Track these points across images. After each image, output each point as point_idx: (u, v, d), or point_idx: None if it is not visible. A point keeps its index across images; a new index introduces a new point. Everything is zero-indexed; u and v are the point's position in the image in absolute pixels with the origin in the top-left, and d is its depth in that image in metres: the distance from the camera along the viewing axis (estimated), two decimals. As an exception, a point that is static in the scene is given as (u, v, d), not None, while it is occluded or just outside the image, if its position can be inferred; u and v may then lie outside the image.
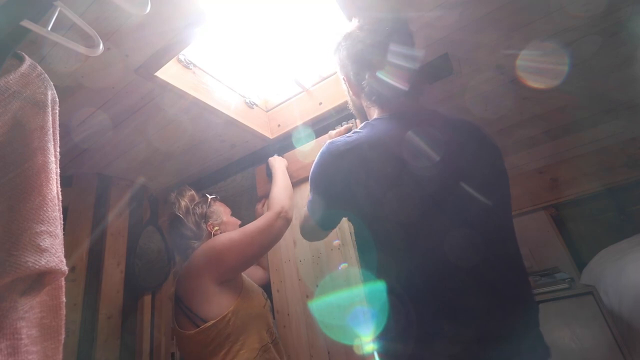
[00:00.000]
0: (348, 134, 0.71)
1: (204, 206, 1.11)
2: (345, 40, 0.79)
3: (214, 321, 0.88)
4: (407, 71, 0.74)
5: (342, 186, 0.67)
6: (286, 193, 1.10)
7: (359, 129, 0.72)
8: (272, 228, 0.98)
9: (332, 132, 1.16)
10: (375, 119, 0.74)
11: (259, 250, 0.98)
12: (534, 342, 0.62)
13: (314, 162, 0.74)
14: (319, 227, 0.79)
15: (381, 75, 0.73)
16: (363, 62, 0.75)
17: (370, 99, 0.77)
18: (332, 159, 0.69)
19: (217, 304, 0.91)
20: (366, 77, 0.75)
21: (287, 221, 1.03)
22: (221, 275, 0.93)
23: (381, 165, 0.64)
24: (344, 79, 0.84)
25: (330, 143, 0.71)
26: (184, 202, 1.09)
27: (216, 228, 1.08)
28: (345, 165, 0.66)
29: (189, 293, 0.92)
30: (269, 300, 1.10)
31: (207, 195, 1.15)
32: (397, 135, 0.68)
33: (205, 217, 1.09)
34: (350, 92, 0.84)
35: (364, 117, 0.85)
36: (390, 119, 0.72)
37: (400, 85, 0.74)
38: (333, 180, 0.68)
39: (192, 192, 1.15)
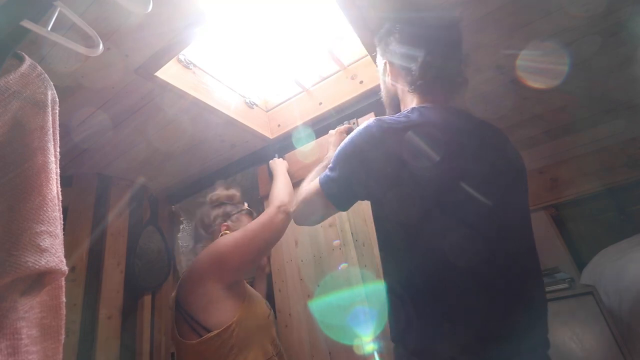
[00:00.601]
0: (397, 115, 0.69)
1: (234, 208, 1.11)
2: (401, 24, 0.79)
3: (218, 331, 0.84)
4: (457, 68, 0.76)
5: (389, 165, 0.63)
6: (286, 190, 1.10)
7: (408, 112, 0.70)
8: (272, 222, 0.97)
9: (332, 132, 1.16)
10: (422, 106, 0.72)
11: (261, 245, 0.96)
12: (536, 343, 0.61)
13: (353, 135, 0.69)
14: (334, 205, 0.73)
15: (435, 65, 0.73)
16: (418, 50, 0.74)
17: (414, 84, 0.75)
18: (385, 135, 0.64)
19: (221, 312, 0.87)
20: (419, 63, 0.73)
21: (288, 215, 1.01)
22: (226, 277, 0.90)
23: (437, 151, 0.63)
24: (385, 62, 0.83)
25: (378, 119, 0.67)
26: (217, 195, 1.11)
27: (226, 231, 1.06)
28: (395, 143, 0.63)
29: (191, 298, 0.89)
30: (272, 310, 1.07)
31: (244, 204, 1.15)
32: (451, 124, 0.68)
33: (227, 216, 1.09)
34: (389, 76, 0.83)
35: (394, 104, 0.85)
36: (435, 109, 0.71)
37: (451, 78, 0.75)
38: (377, 156, 0.64)
39: (237, 194, 1.16)
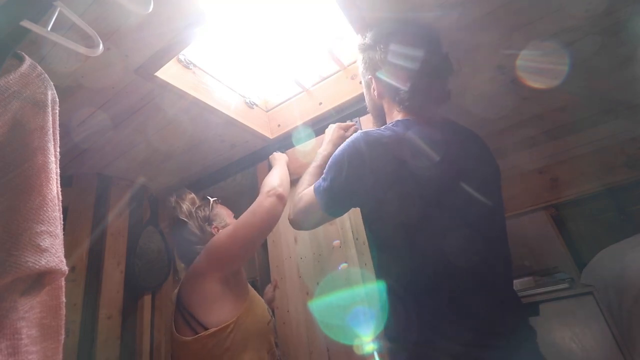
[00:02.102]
0: (383, 128, 0.72)
1: (207, 209, 1.09)
2: (385, 43, 0.79)
3: (214, 330, 0.83)
4: (443, 82, 0.79)
5: (371, 177, 0.65)
6: (277, 177, 1.08)
7: (392, 126, 0.73)
8: (261, 207, 0.97)
9: (333, 126, 1.13)
10: (406, 119, 0.74)
11: (253, 231, 0.95)
12: (526, 336, 0.62)
13: (342, 148, 0.72)
14: (327, 214, 0.77)
15: (423, 87, 0.75)
16: (404, 69, 0.76)
17: (402, 103, 0.77)
18: (368, 148, 0.67)
19: (220, 310, 0.87)
20: (408, 87, 0.75)
21: (278, 198, 0.99)
22: (224, 269, 0.91)
23: (421, 162, 0.65)
24: (371, 78, 0.84)
25: (365, 133, 0.70)
26: (185, 206, 1.07)
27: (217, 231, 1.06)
28: (381, 156, 0.66)
29: (190, 295, 0.90)
30: (274, 318, 1.06)
31: (209, 198, 1.12)
32: (434, 136, 0.70)
33: (208, 220, 1.07)
34: (375, 92, 0.84)
35: (381, 117, 0.86)
36: (419, 123, 0.73)
37: (435, 94, 0.77)
38: (364, 168, 0.67)
39: (192, 195, 1.13)
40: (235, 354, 0.85)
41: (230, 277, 0.93)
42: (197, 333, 0.84)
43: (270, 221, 0.98)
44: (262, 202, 0.98)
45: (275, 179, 1.06)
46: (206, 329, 0.84)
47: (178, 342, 0.87)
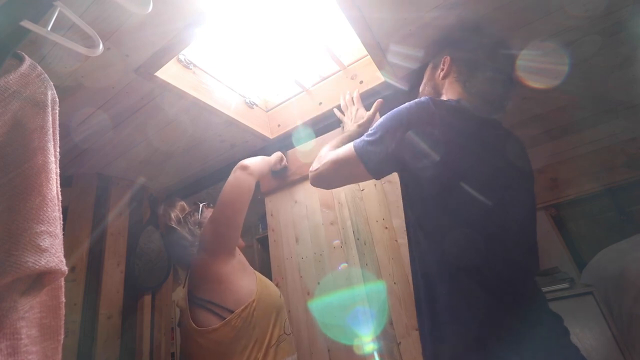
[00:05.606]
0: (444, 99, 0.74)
1: (196, 214, 1.13)
2: (481, 37, 0.85)
3: (239, 310, 0.88)
4: (507, 97, 0.83)
5: (435, 141, 0.64)
6: (250, 160, 1.11)
7: (449, 100, 0.75)
8: (227, 184, 1.03)
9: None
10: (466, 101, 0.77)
11: (227, 208, 0.99)
12: (540, 341, 0.61)
13: (405, 107, 0.70)
14: (370, 173, 0.72)
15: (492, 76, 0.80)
16: (486, 63, 0.80)
17: (470, 91, 0.80)
18: (440, 111, 0.66)
19: (237, 291, 0.92)
20: (485, 74, 0.79)
21: (241, 168, 1.05)
22: (220, 249, 0.96)
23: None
24: (444, 60, 0.86)
25: (431, 98, 0.69)
26: (174, 214, 1.11)
27: None
28: (450, 121, 0.66)
29: (204, 286, 0.94)
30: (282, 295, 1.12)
31: (199, 203, 1.16)
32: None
33: (199, 224, 1.11)
34: (443, 72, 0.86)
35: (431, 91, 0.90)
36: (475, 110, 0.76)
37: (497, 100, 0.81)
38: (428, 130, 0.65)
39: (182, 202, 1.17)
40: (261, 329, 0.90)
41: (230, 257, 0.97)
42: (223, 318, 0.88)
43: (238, 192, 1.02)
44: (228, 179, 1.04)
45: (245, 161, 1.10)
46: (231, 311, 0.88)
47: (203, 335, 0.88)
